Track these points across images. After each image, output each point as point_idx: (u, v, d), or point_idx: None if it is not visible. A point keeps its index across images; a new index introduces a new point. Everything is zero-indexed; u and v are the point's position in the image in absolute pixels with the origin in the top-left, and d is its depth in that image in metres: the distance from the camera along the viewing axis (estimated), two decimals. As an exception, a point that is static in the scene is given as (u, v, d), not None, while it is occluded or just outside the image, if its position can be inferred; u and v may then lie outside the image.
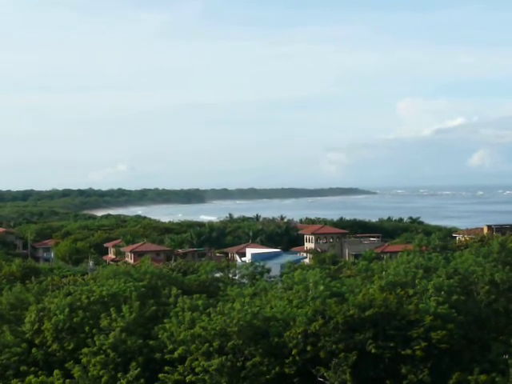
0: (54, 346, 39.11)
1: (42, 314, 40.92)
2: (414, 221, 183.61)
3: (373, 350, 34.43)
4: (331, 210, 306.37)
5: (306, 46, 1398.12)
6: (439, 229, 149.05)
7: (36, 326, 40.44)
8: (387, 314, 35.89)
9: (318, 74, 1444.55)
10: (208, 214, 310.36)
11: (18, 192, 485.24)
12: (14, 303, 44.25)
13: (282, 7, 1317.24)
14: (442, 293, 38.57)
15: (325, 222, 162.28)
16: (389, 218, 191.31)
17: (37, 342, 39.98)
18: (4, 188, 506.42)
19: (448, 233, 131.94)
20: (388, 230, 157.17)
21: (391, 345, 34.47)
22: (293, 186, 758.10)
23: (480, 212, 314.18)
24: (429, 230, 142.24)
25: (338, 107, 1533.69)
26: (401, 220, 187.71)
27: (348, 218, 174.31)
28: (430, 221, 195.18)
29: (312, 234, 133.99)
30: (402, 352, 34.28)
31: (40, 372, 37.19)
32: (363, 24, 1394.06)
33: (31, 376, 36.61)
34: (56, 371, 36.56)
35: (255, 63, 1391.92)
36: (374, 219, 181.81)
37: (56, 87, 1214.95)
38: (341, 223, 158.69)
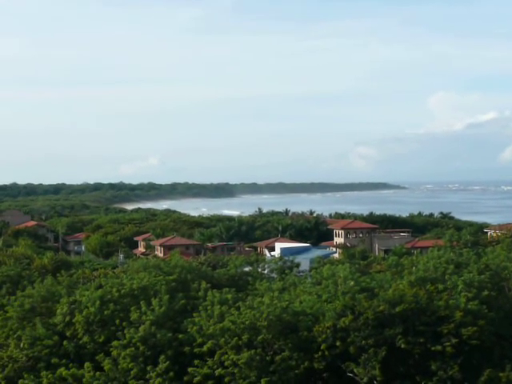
0: (85, 339, 39.36)
1: (73, 306, 41.22)
2: (444, 216, 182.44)
3: (402, 346, 34.31)
4: (361, 205, 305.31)
5: (337, 39, 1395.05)
6: (470, 224, 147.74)
7: (67, 319, 40.72)
8: (417, 309, 35.71)
9: (349, 68, 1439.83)
10: (233, 208, 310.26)
11: (49, 186, 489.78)
12: (46, 296, 44.57)
13: (312, 1, 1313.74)
14: (473, 289, 38.28)
15: (354, 217, 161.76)
16: (419, 213, 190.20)
17: (68, 334, 40.26)
18: (36, 182, 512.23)
19: (479, 228, 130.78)
20: (418, 225, 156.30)
21: (421, 341, 34.31)
22: (322, 181, 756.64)
23: (511, 207, 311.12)
24: (460, 226, 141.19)
25: (369, 101, 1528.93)
26: (431, 215, 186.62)
27: (378, 212, 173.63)
28: (461, 216, 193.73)
29: (342, 228, 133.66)
30: (432, 348, 34.11)
31: (71, 364, 37.43)
32: (394, 17, 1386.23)
33: (62, 368, 36.88)
34: (87, 364, 36.82)
35: (286, 57, 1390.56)
36: (405, 214, 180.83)
37: (90, 81, 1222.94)
38: (371, 218, 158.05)
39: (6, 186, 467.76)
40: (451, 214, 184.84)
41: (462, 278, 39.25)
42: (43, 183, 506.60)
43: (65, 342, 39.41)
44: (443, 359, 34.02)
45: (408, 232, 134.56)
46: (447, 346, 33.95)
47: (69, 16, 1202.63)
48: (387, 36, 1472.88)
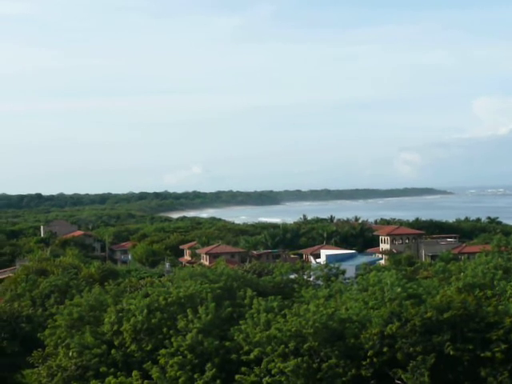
0: (133, 347, 39.66)
1: (120, 315, 41.57)
2: (492, 221, 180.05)
3: (451, 353, 33.94)
4: (406, 211, 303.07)
5: (378, 45, 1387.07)
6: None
7: (115, 327, 41.07)
8: (465, 315, 35.30)
9: (392, 73, 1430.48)
10: (277, 215, 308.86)
11: (95, 196, 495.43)
12: (94, 305, 45.04)
13: (351, 7, 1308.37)
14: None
15: (400, 223, 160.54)
16: (466, 218, 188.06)
17: (116, 343, 40.59)
18: (82, 192, 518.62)
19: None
20: (465, 231, 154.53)
21: (470, 347, 33.92)
22: (366, 187, 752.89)
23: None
24: (507, 230, 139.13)
25: (413, 107, 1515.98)
26: (478, 220, 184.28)
27: (424, 218, 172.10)
28: (508, 221, 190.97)
29: (387, 234, 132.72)
30: (481, 354, 33.69)
31: (119, 373, 37.76)
32: (435, 22, 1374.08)
33: (111, 377, 37.20)
34: (135, 372, 37.11)
35: (327, 64, 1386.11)
36: (451, 219, 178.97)
37: (130, 91, 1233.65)
38: (417, 224, 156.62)
39: (53, 196, 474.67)
40: (499, 219, 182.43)
41: (511, 283, 38.73)
42: (89, 193, 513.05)
43: (113, 351, 39.74)
44: (493, 365, 33.61)
45: (455, 237, 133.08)
46: (497, 352, 33.50)
47: (105, 26, 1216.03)
48: (428, 41, 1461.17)
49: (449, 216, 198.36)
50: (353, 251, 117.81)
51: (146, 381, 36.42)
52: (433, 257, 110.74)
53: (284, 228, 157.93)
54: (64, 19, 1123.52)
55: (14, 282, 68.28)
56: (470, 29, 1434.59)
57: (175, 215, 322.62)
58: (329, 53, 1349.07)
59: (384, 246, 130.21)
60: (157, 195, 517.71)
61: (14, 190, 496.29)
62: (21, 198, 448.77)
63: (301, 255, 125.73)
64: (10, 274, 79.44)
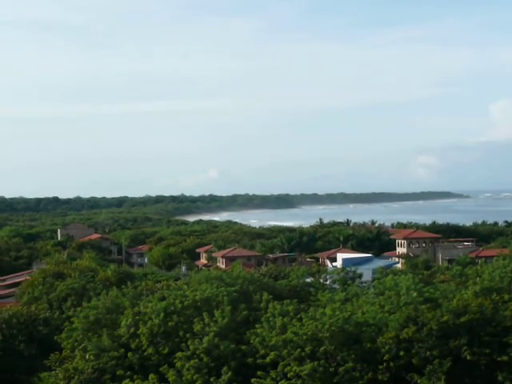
0: (150, 350, 39.73)
1: (137, 318, 41.68)
2: (509, 224, 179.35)
3: (468, 357, 33.84)
4: (423, 214, 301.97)
5: (396, 47, 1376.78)
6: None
7: (132, 330, 41.18)
8: (482, 320, 35.20)
9: (410, 75, 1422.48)
10: (293, 219, 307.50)
11: (112, 199, 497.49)
12: (110, 307, 45.14)
13: (372, 7, 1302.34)
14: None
15: (417, 227, 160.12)
16: (483, 221, 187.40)
17: (132, 346, 40.68)
18: (99, 195, 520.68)
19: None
20: (483, 234, 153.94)
21: (487, 351, 33.81)
22: (383, 191, 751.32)
23: None
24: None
25: (430, 109, 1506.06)
26: (496, 224, 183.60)
27: (441, 222, 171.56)
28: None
29: (404, 238, 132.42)
30: (498, 359, 33.59)
31: (135, 376, 37.84)
32: (455, 22, 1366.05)
33: (127, 380, 37.28)
34: (151, 375, 37.17)
35: (343, 66, 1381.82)
36: (468, 223, 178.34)
37: (149, 95, 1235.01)
38: (433, 227, 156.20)
39: (70, 199, 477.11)
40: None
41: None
42: (106, 196, 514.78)
43: (130, 354, 39.85)
44: (510, 369, 33.51)
45: (472, 241, 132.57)
46: (514, 357, 33.38)
47: (136, 30, 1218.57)
48: (447, 42, 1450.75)
49: (466, 220, 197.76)
50: (369, 255, 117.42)
51: (162, 384, 36.49)
52: (450, 261, 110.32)
53: (300, 231, 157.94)
54: (91, 22, 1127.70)
55: (32, 285, 68.63)
56: (488, 29, 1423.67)
57: (191, 218, 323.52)
58: (347, 55, 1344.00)
59: (401, 250, 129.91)
60: (173, 198, 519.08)
61: (31, 193, 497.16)
62: (38, 201, 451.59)
63: (317, 259, 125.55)
64: (28, 277, 79.86)
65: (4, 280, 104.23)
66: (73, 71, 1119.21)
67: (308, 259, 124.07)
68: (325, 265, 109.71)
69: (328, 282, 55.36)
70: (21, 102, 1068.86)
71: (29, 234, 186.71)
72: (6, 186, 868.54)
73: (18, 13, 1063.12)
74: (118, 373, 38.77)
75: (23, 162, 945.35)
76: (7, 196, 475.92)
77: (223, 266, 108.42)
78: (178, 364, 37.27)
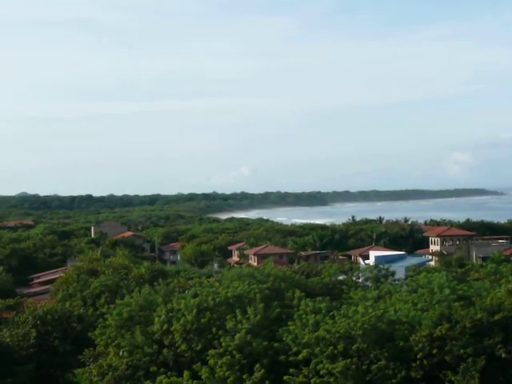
0: (183, 347, 39.90)
1: (170, 314, 41.86)
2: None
3: (503, 355, 33.53)
4: (457, 212, 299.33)
5: (434, 43, 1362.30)
6: None
7: (165, 327, 41.38)
8: (517, 318, 34.85)
9: (443, 73, 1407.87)
10: (315, 217, 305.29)
11: (145, 197, 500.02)
12: (144, 304, 45.43)
13: (403, 5, 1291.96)
14: None
15: (451, 224, 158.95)
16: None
17: (166, 342, 40.90)
18: (132, 193, 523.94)
19: None
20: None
21: (522, 350, 33.47)
22: (416, 188, 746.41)
23: None
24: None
25: (464, 106, 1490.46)
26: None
27: (475, 219, 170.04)
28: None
29: (437, 236, 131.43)
30: (534, 357, 33.22)
31: (169, 373, 38.01)
32: (487, 19, 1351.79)
33: (162, 376, 37.41)
34: (186, 372, 37.26)
35: (382, 63, 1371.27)
36: (503, 220, 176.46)
37: (183, 94, 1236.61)
38: (467, 225, 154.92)
39: (103, 197, 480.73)
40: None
41: None
42: (139, 194, 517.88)
43: (165, 350, 40.04)
44: (545, 369, 33.12)
45: (507, 239, 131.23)
46: (549, 356, 33.01)
47: (164, 30, 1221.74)
48: (484, 38, 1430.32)
49: (500, 217, 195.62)
50: (402, 252, 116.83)
51: (195, 381, 36.57)
52: (484, 258, 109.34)
53: (332, 229, 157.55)
54: (121, 22, 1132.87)
55: (66, 282, 69.32)
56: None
57: (223, 216, 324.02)
58: (385, 51, 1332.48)
59: (434, 248, 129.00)
60: (205, 196, 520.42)
61: (65, 191, 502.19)
62: (72, 199, 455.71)
63: (349, 256, 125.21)
64: (62, 274, 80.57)
65: (39, 277, 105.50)
66: (110, 70, 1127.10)
67: (340, 257, 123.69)
68: (357, 262, 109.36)
69: (360, 280, 55.23)
70: (57, 101, 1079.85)
71: (63, 231, 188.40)
72: (40, 184, 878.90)
73: (52, 13, 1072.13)
74: (151, 369, 39.02)
75: (58, 160, 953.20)
76: (42, 194, 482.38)
77: (255, 264, 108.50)
78: (211, 361, 37.36)
